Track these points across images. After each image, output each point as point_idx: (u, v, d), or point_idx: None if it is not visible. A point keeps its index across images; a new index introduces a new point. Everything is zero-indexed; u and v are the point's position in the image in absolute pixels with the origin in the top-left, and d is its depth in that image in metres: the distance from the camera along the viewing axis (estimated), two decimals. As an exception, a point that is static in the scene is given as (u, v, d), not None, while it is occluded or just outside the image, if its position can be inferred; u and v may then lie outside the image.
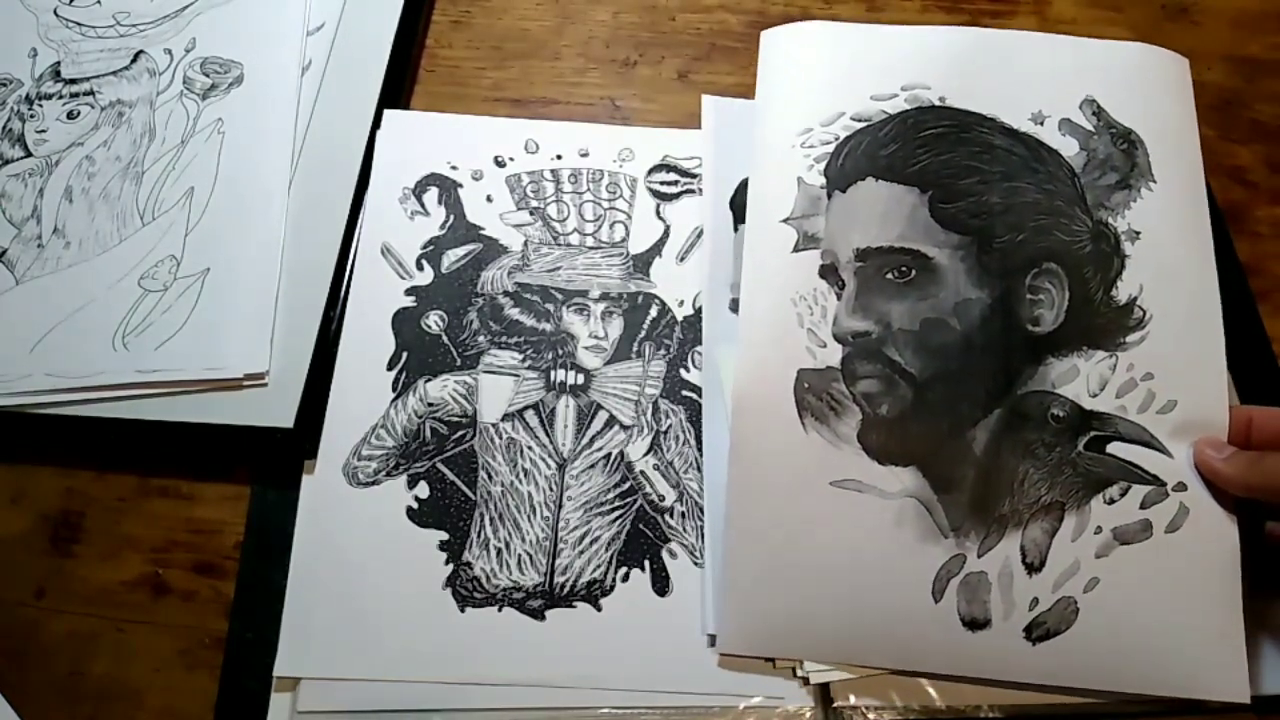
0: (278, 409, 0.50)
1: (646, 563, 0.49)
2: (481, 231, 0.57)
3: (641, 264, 0.56)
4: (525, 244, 0.57)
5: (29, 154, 0.59)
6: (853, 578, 0.46)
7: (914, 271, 0.49)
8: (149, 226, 0.56)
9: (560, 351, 0.54)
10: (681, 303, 0.55)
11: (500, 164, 0.59)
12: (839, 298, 0.49)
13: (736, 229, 0.56)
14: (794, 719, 0.45)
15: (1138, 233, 0.50)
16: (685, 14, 0.67)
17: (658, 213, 0.58)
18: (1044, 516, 0.46)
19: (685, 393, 0.53)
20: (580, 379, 0.53)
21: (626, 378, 0.53)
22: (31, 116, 0.60)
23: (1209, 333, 0.49)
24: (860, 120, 0.54)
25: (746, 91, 0.63)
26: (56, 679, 0.47)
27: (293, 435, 0.50)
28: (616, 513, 0.50)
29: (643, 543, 0.49)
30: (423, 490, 0.50)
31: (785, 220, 0.51)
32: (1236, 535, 0.46)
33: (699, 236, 0.57)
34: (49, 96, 0.60)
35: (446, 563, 0.48)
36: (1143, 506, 0.46)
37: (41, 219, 0.56)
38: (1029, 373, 0.48)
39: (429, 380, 0.53)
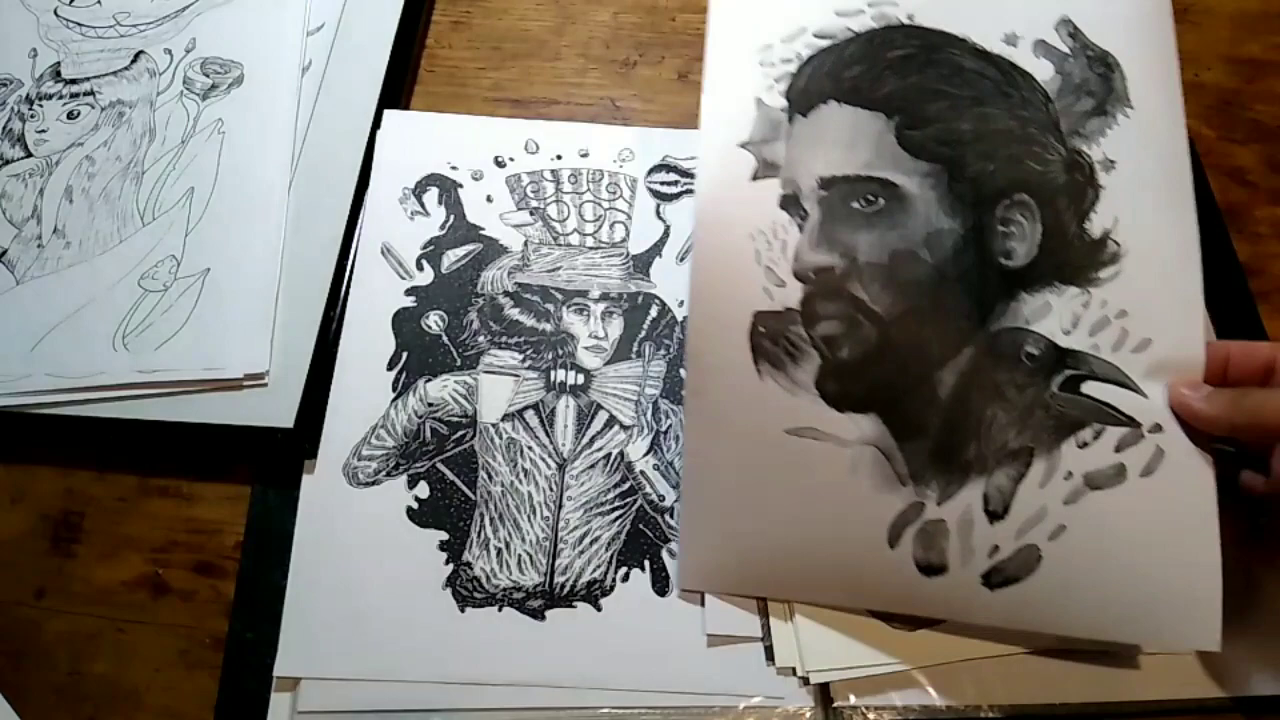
0: (278, 409, 0.50)
1: (646, 563, 0.49)
2: (481, 231, 0.57)
3: (641, 264, 0.56)
4: (525, 244, 0.57)
5: (29, 154, 0.59)
6: (807, 525, 0.45)
7: (882, 200, 0.46)
8: (149, 226, 0.56)
9: (560, 351, 0.54)
10: (681, 303, 0.55)
11: (500, 164, 0.59)
12: (801, 230, 0.46)
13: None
14: (794, 719, 0.45)
15: (1113, 162, 0.47)
16: (685, 14, 0.67)
17: (658, 213, 0.58)
18: (1011, 462, 0.44)
19: (685, 392, 0.53)
20: (580, 379, 0.53)
21: (626, 378, 0.53)
22: (32, 116, 0.60)
23: (1186, 267, 0.45)
24: (823, 37, 0.49)
25: (746, 91, 0.63)
26: (56, 679, 0.47)
27: (293, 435, 0.50)
28: (616, 513, 0.50)
29: (643, 543, 0.49)
30: (423, 490, 0.50)
31: (743, 145, 0.47)
32: (1213, 478, 0.43)
33: (699, 236, 0.57)
34: (49, 96, 0.60)
35: (446, 563, 0.48)
36: (1117, 449, 0.44)
37: (41, 219, 0.56)
38: (1001, 309, 0.45)
39: (429, 380, 0.53)
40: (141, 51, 0.62)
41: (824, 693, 0.46)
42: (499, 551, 0.49)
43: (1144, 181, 0.47)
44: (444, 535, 0.49)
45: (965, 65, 0.48)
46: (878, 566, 0.44)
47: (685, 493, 0.47)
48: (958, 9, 0.50)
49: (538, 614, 0.47)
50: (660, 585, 0.48)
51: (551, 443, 0.51)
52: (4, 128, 0.60)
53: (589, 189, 0.59)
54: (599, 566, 0.49)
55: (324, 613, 0.47)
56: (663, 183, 0.59)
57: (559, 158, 0.59)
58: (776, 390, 0.45)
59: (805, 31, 0.50)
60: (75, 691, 0.47)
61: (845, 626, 0.47)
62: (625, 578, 0.48)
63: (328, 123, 0.59)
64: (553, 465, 0.51)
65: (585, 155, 0.59)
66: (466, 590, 0.48)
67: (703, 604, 0.47)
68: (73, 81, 0.61)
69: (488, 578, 0.48)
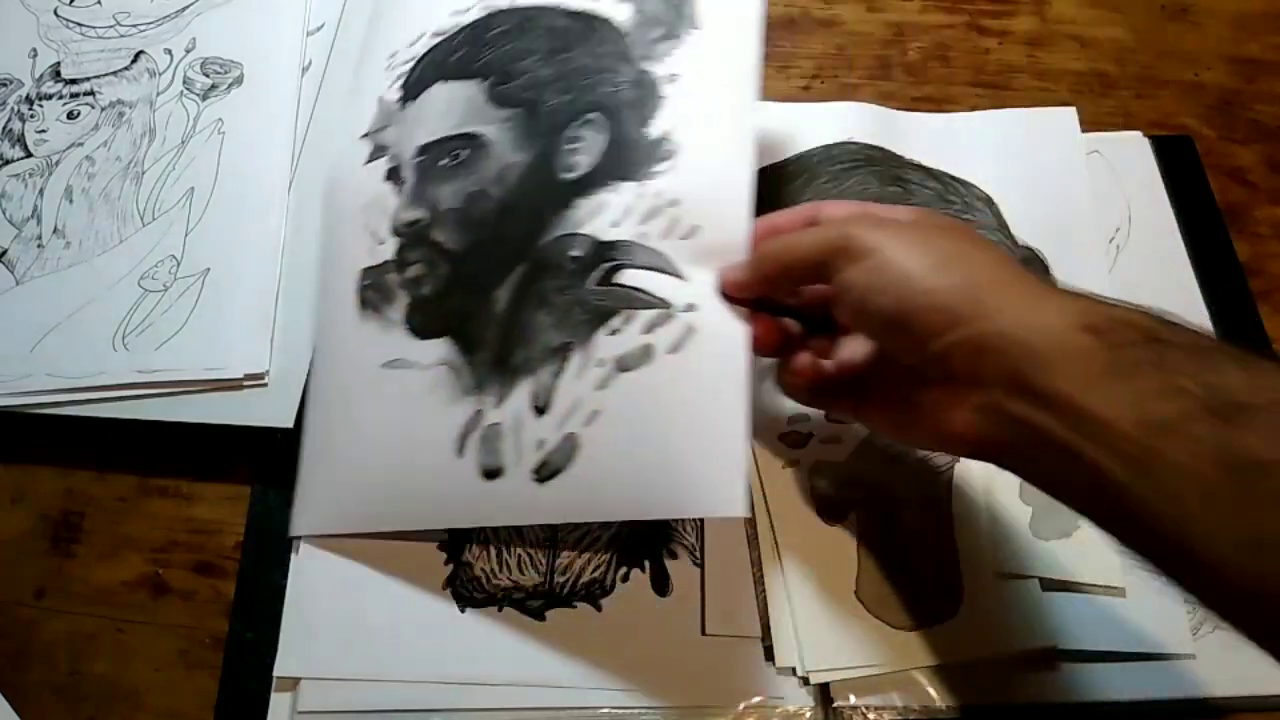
0: (278, 409, 0.50)
1: (646, 563, 0.49)
2: (481, 231, 0.57)
3: (641, 264, 0.56)
4: (524, 244, 0.57)
5: (29, 154, 0.59)
6: (395, 449, 0.47)
7: (467, 152, 0.49)
8: (149, 226, 0.56)
9: (560, 351, 0.54)
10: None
11: (500, 164, 0.59)
12: (399, 195, 0.50)
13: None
14: (794, 719, 0.45)
15: (676, 75, 0.49)
16: (685, 14, 0.67)
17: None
18: (552, 359, 0.45)
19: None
20: (580, 379, 0.53)
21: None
22: (31, 116, 0.60)
23: (737, 163, 0.46)
24: (440, 35, 0.54)
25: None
26: (56, 679, 0.47)
27: (293, 435, 0.50)
28: (616, 513, 0.50)
29: (643, 543, 0.49)
30: (423, 490, 0.50)
31: (363, 136, 0.53)
32: (743, 349, 0.44)
33: (698, 236, 0.57)
34: (49, 96, 0.60)
35: (446, 563, 0.48)
36: (647, 331, 0.44)
37: (41, 219, 0.56)
38: (556, 221, 0.47)
39: (429, 380, 0.53)
40: (141, 51, 0.62)
41: (824, 693, 0.46)
42: (499, 551, 0.49)
43: (704, 89, 0.49)
44: (444, 535, 0.49)
45: (556, 25, 0.52)
46: (450, 479, 0.46)
47: (303, 444, 0.50)
48: None
49: (538, 614, 0.47)
50: (660, 585, 0.48)
51: (551, 443, 0.51)
52: (4, 128, 0.60)
53: (588, 189, 0.59)
54: (599, 566, 0.49)
55: (324, 613, 0.47)
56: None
57: (558, 158, 0.59)
58: (375, 331, 0.49)
59: (425, 34, 0.54)
60: (75, 691, 0.47)
61: (845, 626, 0.47)
62: (625, 578, 0.48)
63: (328, 123, 0.59)
64: (553, 465, 0.51)
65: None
66: (466, 590, 0.48)
67: (703, 604, 0.47)
68: (73, 81, 0.61)
69: (488, 578, 0.48)
